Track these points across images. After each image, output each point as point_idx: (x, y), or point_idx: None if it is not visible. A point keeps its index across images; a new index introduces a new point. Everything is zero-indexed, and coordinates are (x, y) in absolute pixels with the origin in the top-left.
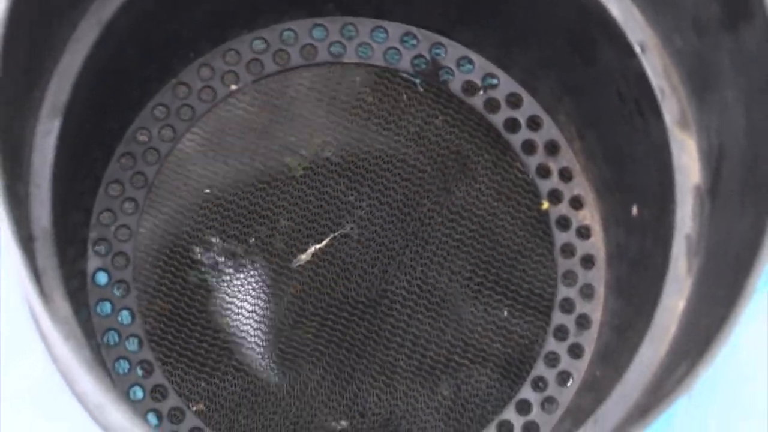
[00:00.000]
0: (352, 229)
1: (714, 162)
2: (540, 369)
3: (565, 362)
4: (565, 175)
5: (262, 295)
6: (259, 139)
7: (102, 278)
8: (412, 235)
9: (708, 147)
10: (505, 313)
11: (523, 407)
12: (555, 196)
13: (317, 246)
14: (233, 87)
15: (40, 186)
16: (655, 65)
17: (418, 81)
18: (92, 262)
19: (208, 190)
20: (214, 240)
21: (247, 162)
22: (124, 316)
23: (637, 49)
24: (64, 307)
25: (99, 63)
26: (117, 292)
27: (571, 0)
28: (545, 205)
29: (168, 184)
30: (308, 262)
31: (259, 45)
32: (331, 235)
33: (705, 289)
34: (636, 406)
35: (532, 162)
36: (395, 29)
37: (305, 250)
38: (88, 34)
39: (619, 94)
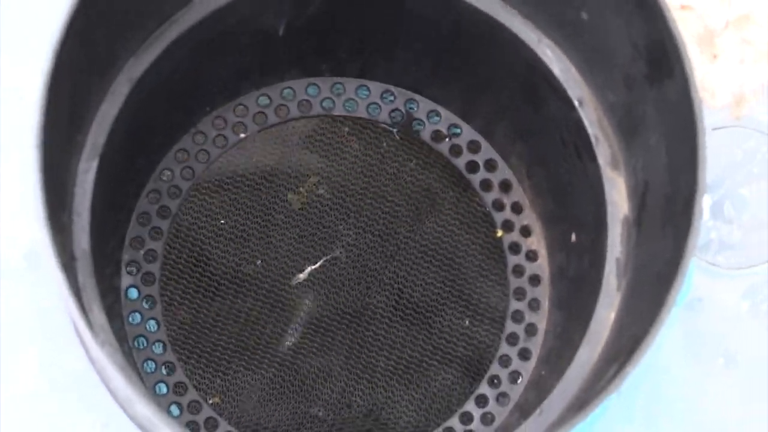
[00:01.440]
0: (341, 253)
1: (639, 196)
2: (495, 369)
3: (516, 364)
4: (516, 209)
5: (266, 307)
6: (263, 178)
7: (133, 293)
8: (390, 257)
9: (635, 183)
10: (467, 322)
11: (481, 401)
12: (507, 226)
13: (312, 267)
14: (242, 135)
15: (81, 215)
16: (591, 116)
17: (395, 130)
18: (125, 280)
19: (222, 221)
20: (227, 262)
21: (255, 197)
22: (151, 325)
23: (576, 103)
24: (101, 317)
25: (131, 113)
26: (145, 305)
27: (521, 61)
28: (500, 233)
29: (188, 216)
30: (305, 280)
31: (263, 101)
32: (324, 258)
33: (632, 302)
34: (575, 400)
35: (489, 197)
36: (376, 87)
37: (303, 270)
38: (122, 89)
39: (562, 140)
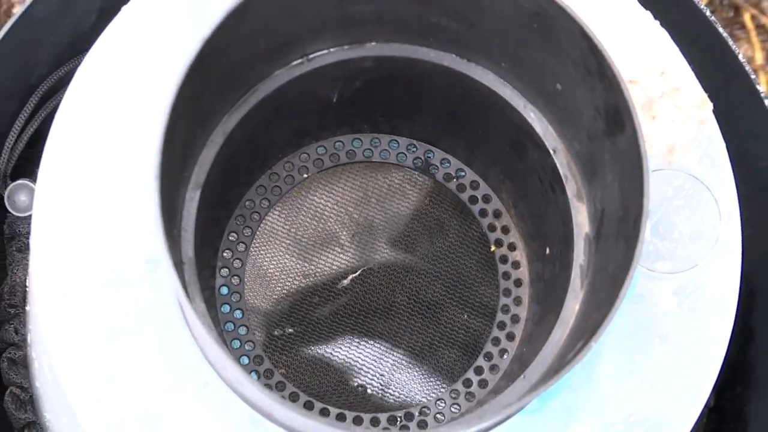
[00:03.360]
0: (374, 265)
1: (598, 219)
2: (488, 348)
3: (504, 344)
4: (505, 230)
5: (320, 304)
6: (320, 208)
7: (224, 291)
8: (410, 269)
9: (594, 210)
10: (466, 316)
11: (478, 371)
12: (498, 243)
13: (353, 275)
14: (305, 175)
15: (187, 231)
16: (562, 161)
17: (416, 173)
18: (218, 281)
19: (288, 241)
20: (293, 269)
21: (313, 222)
22: (237, 314)
23: (551, 152)
24: (202, 306)
25: (224, 158)
26: (233, 299)
27: (510, 121)
28: (493, 248)
29: (265, 234)
30: (348, 285)
31: (321, 150)
32: (361, 269)
33: (592, 297)
34: (549, 369)
35: (485, 222)
36: (403, 141)
37: (347, 277)
38: (218, 140)
39: (539, 179)
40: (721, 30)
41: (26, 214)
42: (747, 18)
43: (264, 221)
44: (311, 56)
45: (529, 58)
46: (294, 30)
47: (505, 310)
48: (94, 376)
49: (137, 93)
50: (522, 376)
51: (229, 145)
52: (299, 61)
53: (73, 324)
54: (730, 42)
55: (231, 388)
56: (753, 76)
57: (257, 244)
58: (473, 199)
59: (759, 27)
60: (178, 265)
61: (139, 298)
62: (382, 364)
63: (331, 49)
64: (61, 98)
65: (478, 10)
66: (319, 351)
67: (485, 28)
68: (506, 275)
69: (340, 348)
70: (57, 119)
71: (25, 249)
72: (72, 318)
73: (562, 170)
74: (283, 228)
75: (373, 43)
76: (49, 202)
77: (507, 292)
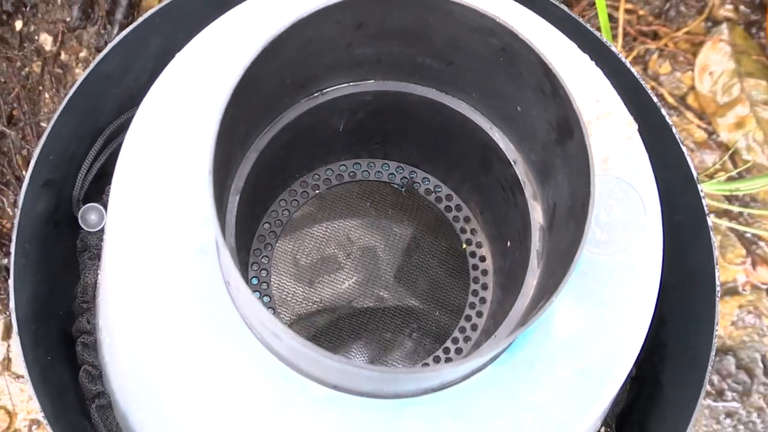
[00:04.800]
0: (373, 254)
1: (551, 212)
2: (462, 323)
3: (474, 320)
4: (473, 233)
5: (324, 301)
6: (330, 215)
7: (254, 281)
8: (401, 267)
9: (547, 206)
10: (442, 299)
11: (462, 331)
12: (468, 242)
13: (351, 280)
14: (317, 191)
15: (230, 226)
16: (521, 170)
17: (403, 189)
18: (250, 273)
19: (308, 240)
20: (309, 265)
21: (324, 229)
22: (265, 299)
23: (512, 163)
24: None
25: (255, 172)
26: (262, 287)
27: (479, 142)
28: (464, 246)
29: (288, 237)
30: (348, 287)
31: (328, 172)
32: (364, 272)
33: (547, 274)
34: (515, 326)
35: (457, 226)
36: (393, 164)
37: (348, 281)
38: (252, 156)
39: (502, 187)
40: (634, 71)
41: (95, 229)
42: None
43: (287, 226)
44: (325, 91)
45: (495, 88)
46: (312, 68)
47: (474, 293)
48: (157, 340)
49: (185, 124)
50: (494, 335)
51: (260, 163)
52: (315, 94)
53: (142, 300)
54: (644, 83)
55: (266, 345)
56: (663, 112)
57: (281, 246)
58: (448, 209)
59: (658, 96)
60: (229, 242)
61: (192, 279)
62: (371, 343)
63: (341, 85)
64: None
65: (456, 50)
66: (327, 336)
67: (461, 65)
68: (475, 267)
69: (346, 330)
70: (126, 140)
71: (94, 257)
72: (141, 296)
73: (521, 177)
74: (303, 230)
75: (372, 81)
76: (121, 211)
77: (476, 281)
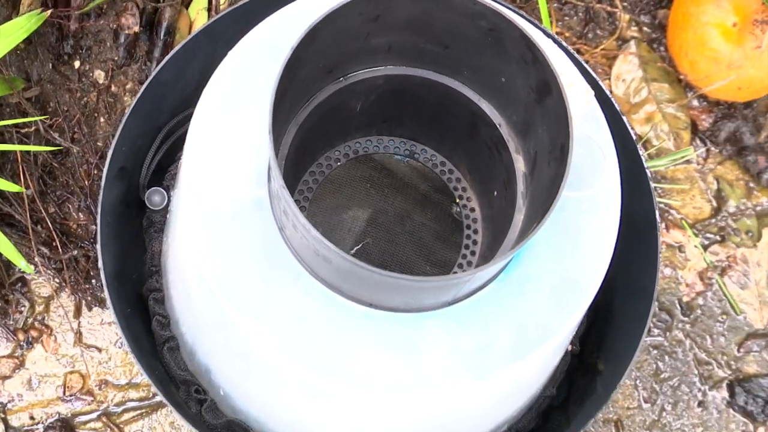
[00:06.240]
0: (380, 225)
1: (532, 161)
2: (460, 260)
3: (469, 257)
4: (464, 189)
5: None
6: (349, 177)
7: None
8: (410, 218)
9: (529, 156)
10: (444, 239)
11: (463, 258)
12: (461, 197)
13: (366, 242)
14: (338, 163)
15: None
16: (504, 131)
17: (406, 160)
18: None
19: (334, 196)
20: (328, 216)
21: (344, 191)
22: None
23: (497, 126)
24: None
25: (295, 142)
26: None
27: (468, 112)
28: (457, 200)
29: (318, 193)
30: (361, 246)
31: (346, 148)
32: (381, 227)
33: (532, 210)
34: (507, 252)
35: (451, 185)
36: (397, 139)
37: (361, 242)
38: (293, 129)
39: (488, 147)
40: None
41: (158, 208)
42: None
43: (319, 186)
44: (348, 75)
45: (483, 64)
46: (339, 55)
47: (468, 237)
48: (227, 277)
49: (238, 105)
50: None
51: (299, 134)
52: (340, 79)
53: (213, 246)
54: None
55: (313, 274)
56: (603, 86)
57: (315, 197)
58: (443, 172)
59: None
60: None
61: (252, 227)
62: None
63: (359, 71)
64: (178, 135)
65: (452, 35)
66: None
67: (456, 48)
68: (466, 216)
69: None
70: (193, 121)
71: (159, 231)
72: (212, 242)
73: (505, 137)
74: (327, 193)
75: (383, 67)
76: (191, 176)
77: (468, 228)
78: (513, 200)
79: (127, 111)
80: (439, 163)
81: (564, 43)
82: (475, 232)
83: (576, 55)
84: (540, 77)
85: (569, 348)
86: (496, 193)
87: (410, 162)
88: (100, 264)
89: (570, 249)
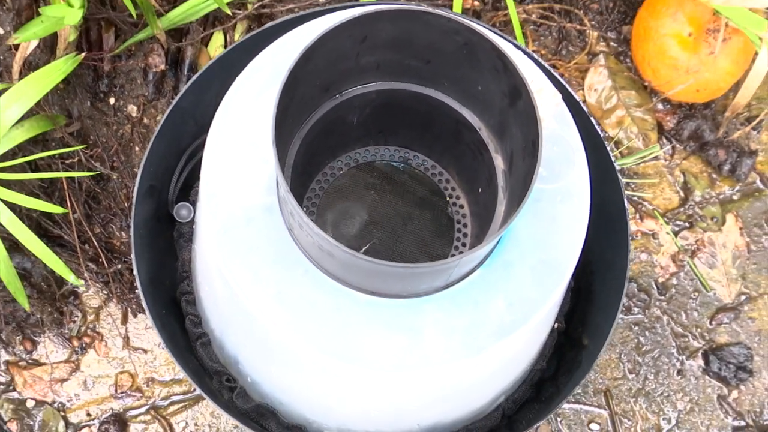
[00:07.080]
0: (383, 226)
1: (509, 159)
2: (452, 252)
3: (460, 249)
4: (453, 189)
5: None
6: (350, 187)
7: None
8: (408, 217)
9: (506, 155)
10: (438, 234)
11: (456, 248)
12: (450, 196)
13: (373, 242)
14: (341, 172)
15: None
16: (484, 134)
17: (401, 166)
18: None
19: (339, 202)
20: (338, 220)
21: (346, 197)
22: None
23: (477, 130)
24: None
25: (299, 155)
26: None
27: (452, 119)
28: (448, 199)
29: (324, 200)
30: (369, 245)
31: (347, 158)
32: (378, 235)
33: (511, 202)
34: (493, 238)
35: (442, 186)
36: (392, 148)
37: (368, 242)
38: (297, 142)
39: (470, 149)
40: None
41: (186, 221)
42: None
43: (324, 193)
44: (343, 92)
45: (460, 75)
46: (333, 75)
47: (458, 229)
48: (244, 273)
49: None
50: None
51: (302, 148)
52: (336, 96)
53: (231, 246)
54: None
55: (320, 268)
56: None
57: (322, 204)
58: (434, 175)
59: None
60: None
61: (264, 229)
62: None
63: (353, 88)
64: (200, 156)
65: (432, 51)
66: None
67: (436, 62)
68: (456, 212)
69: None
70: (208, 140)
71: (187, 240)
72: (228, 243)
73: (485, 139)
74: (331, 200)
75: (373, 83)
76: (210, 187)
77: (459, 221)
78: (495, 195)
79: (153, 135)
80: (430, 167)
81: (533, 54)
82: (465, 225)
83: (545, 64)
84: (510, 83)
85: (556, 325)
86: (480, 190)
87: (406, 168)
88: (135, 272)
89: (547, 235)
